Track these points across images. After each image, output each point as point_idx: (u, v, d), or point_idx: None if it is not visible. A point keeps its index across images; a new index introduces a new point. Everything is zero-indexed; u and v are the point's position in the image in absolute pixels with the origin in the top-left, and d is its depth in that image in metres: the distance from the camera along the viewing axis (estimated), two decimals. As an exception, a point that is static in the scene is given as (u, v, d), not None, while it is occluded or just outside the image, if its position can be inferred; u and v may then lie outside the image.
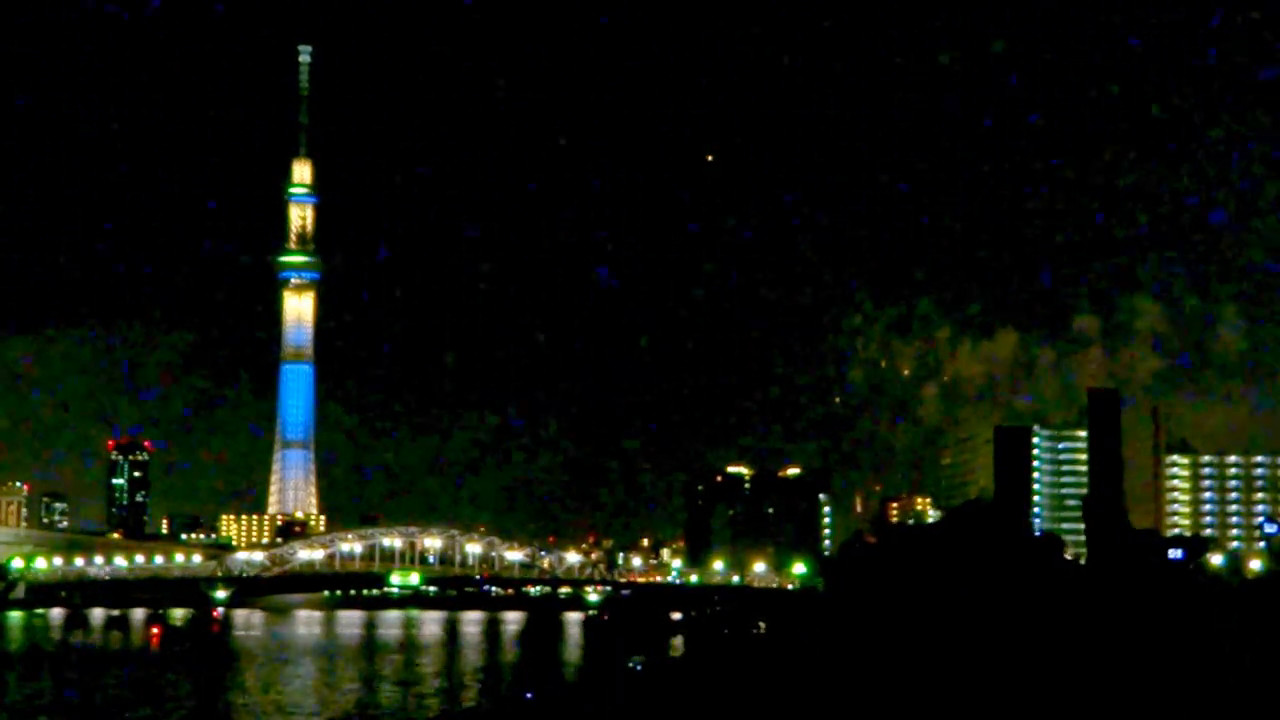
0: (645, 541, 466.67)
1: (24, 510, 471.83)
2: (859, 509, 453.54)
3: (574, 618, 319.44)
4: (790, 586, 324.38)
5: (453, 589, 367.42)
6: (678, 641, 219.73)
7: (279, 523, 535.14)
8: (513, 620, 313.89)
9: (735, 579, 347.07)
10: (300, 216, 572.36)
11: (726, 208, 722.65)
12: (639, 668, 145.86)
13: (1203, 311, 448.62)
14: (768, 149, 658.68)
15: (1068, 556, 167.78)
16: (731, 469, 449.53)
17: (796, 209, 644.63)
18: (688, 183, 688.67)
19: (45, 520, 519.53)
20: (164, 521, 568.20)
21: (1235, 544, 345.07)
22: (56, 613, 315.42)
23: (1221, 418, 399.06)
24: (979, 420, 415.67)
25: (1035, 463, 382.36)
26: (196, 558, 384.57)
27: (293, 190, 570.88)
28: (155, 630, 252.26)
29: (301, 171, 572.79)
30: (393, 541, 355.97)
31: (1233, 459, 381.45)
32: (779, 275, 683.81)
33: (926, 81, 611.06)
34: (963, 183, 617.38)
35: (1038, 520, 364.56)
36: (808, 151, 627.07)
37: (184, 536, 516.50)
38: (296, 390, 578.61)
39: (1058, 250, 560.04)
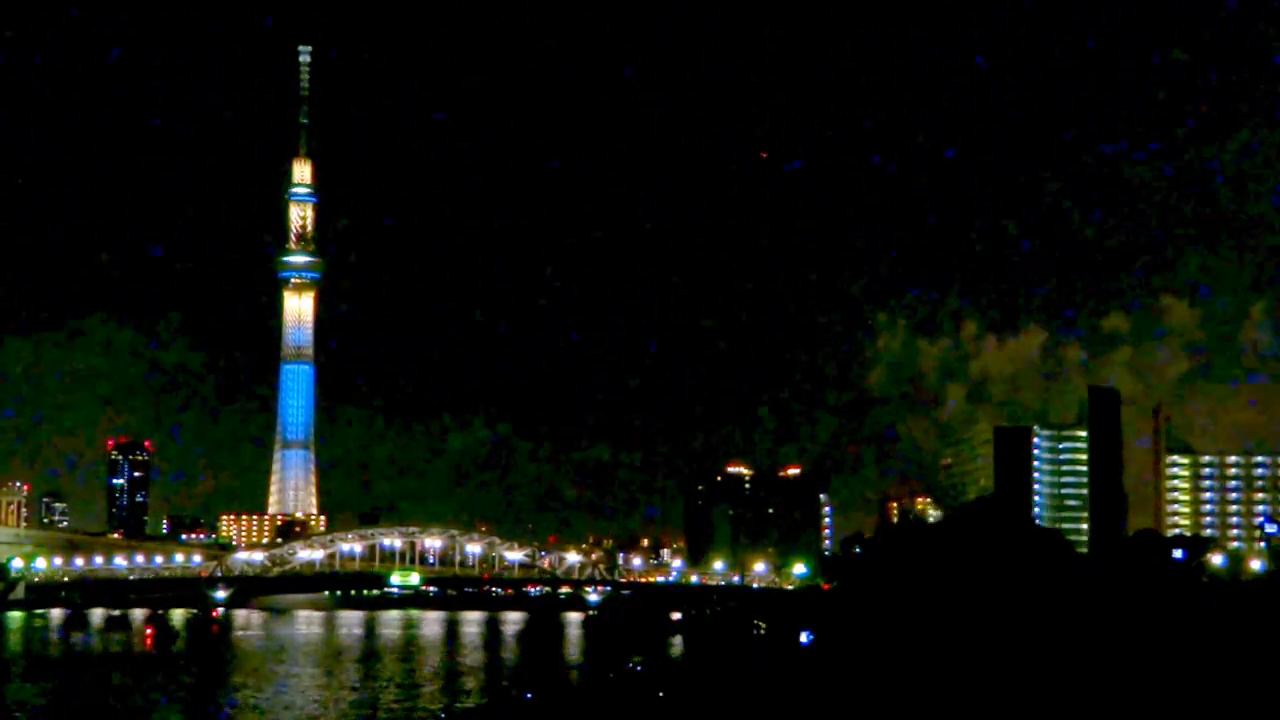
0: (645, 541, 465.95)
1: (24, 510, 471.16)
2: (862, 510, 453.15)
3: (574, 618, 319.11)
4: (790, 587, 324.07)
5: (453, 589, 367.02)
6: (678, 641, 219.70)
7: (279, 523, 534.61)
8: (513, 620, 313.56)
9: (735, 579, 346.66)
10: (300, 216, 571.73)
11: (736, 206, 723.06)
12: (639, 668, 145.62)
13: (1233, 310, 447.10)
14: (778, 146, 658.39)
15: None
16: (731, 469, 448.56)
17: (816, 202, 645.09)
18: (692, 182, 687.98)
19: (45, 520, 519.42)
20: (164, 521, 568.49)
21: (1235, 544, 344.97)
22: (56, 613, 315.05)
23: (1251, 416, 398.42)
24: (981, 419, 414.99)
25: (1035, 463, 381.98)
26: (196, 558, 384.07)
27: (293, 190, 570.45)
28: (149, 631, 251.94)
29: (301, 171, 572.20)
30: (393, 541, 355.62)
31: (1233, 459, 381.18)
32: (796, 272, 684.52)
33: (955, 79, 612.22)
34: (989, 179, 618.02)
35: (1038, 520, 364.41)
36: (825, 149, 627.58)
37: (184, 536, 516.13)
38: (296, 390, 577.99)
39: (1088, 248, 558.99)
